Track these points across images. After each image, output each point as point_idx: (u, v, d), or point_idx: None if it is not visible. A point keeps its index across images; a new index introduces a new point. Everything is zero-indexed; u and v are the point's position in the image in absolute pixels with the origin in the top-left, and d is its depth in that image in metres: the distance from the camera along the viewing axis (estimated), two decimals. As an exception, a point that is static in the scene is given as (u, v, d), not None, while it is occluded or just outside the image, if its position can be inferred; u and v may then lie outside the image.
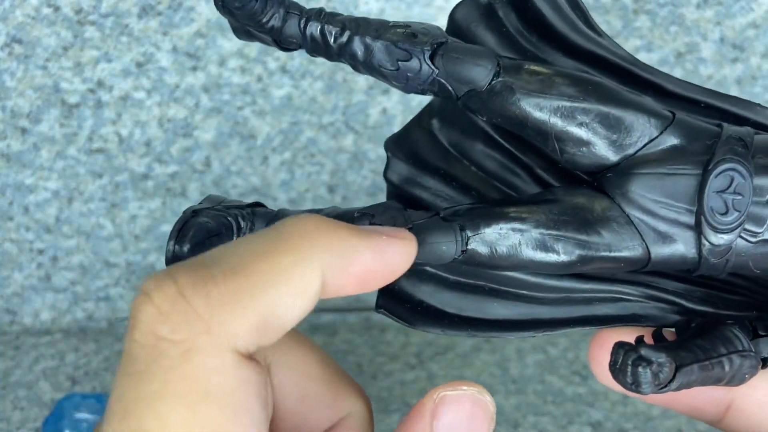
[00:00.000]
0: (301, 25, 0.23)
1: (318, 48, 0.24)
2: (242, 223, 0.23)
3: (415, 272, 0.24)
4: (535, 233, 0.23)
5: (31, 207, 0.40)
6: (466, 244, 0.23)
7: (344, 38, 0.24)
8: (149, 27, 0.36)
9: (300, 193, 0.41)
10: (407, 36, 0.23)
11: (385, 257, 0.22)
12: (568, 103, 0.23)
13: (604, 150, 0.23)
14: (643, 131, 0.23)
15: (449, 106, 0.26)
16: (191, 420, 0.18)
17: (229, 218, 0.23)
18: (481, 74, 0.23)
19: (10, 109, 0.37)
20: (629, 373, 0.21)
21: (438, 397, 0.21)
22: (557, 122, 0.23)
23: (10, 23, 0.36)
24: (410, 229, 0.23)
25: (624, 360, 0.21)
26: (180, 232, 0.22)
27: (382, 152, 0.40)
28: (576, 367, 0.40)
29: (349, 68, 0.38)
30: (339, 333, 0.42)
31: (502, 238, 0.23)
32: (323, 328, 0.42)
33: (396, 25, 0.24)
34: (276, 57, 0.37)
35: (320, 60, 0.38)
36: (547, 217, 0.23)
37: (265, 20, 0.23)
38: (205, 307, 0.19)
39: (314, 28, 0.23)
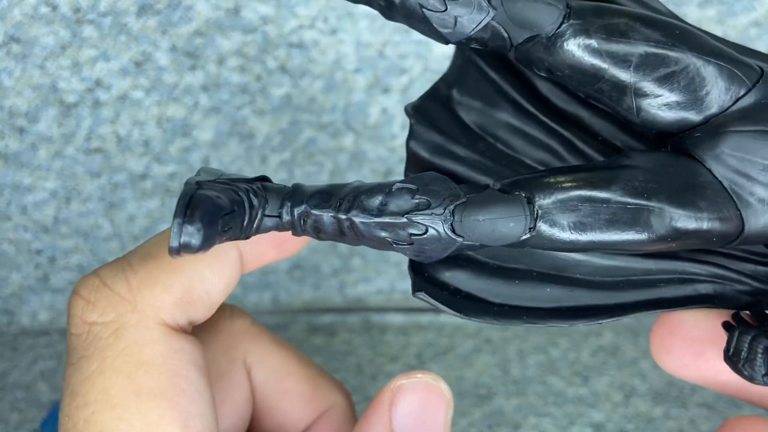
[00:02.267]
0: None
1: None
2: (254, 201, 0.19)
3: (446, 258, 0.21)
4: (620, 204, 0.19)
5: (29, 207, 0.40)
6: (536, 220, 0.19)
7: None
8: (148, 26, 0.36)
9: (299, 193, 0.41)
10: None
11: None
12: (654, 50, 0.19)
13: (690, 106, 0.20)
14: (733, 86, 0.20)
15: (469, 73, 0.23)
16: (131, 387, 0.20)
17: (239, 193, 0.19)
18: (549, 15, 0.19)
19: (7, 108, 0.37)
20: (760, 363, 0.18)
21: (395, 386, 0.23)
22: (641, 73, 0.20)
23: (8, 22, 0.35)
24: (464, 204, 0.19)
25: (753, 348, 0.18)
26: (188, 208, 0.18)
27: (382, 152, 0.40)
28: (577, 368, 0.40)
29: (349, 67, 0.38)
30: (339, 334, 0.42)
31: (580, 211, 0.19)
32: (323, 329, 0.42)
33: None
34: (275, 56, 0.37)
35: (320, 59, 0.37)
36: (632, 184, 0.19)
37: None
38: (127, 289, 0.21)
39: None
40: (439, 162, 0.22)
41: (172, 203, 0.40)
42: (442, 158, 0.22)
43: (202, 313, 0.22)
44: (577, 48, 0.19)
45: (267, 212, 0.19)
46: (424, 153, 0.22)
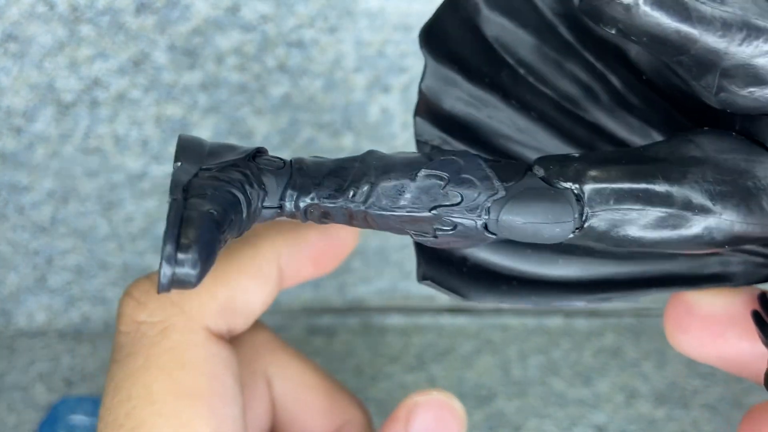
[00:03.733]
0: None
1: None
2: (251, 194, 0.17)
3: None
4: (685, 215, 0.17)
5: (26, 207, 0.40)
6: (584, 221, 0.17)
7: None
8: (146, 25, 0.36)
9: (299, 193, 0.40)
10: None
11: (332, 235, 0.24)
12: (762, 23, 0.16)
13: None
14: None
15: None
16: (171, 386, 0.21)
17: (234, 192, 0.16)
18: None
19: (4, 107, 0.37)
20: None
21: (411, 403, 0.24)
22: (739, 51, 0.16)
23: (5, 21, 0.35)
24: (503, 199, 0.17)
25: None
26: (180, 234, 0.15)
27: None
28: (579, 369, 0.39)
29: (349, 66, 0.37)
30: (338, 335, 0.42)
31: (636, 218, 0.17)
32: (323, 330, 0.42)
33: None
34: (274, 55, 0.37)
35: (319, 58, 0.37)
36: (701, 187, 0.17)
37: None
38: (177, 293, 0.21)
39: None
40: (455, 111, 0.19)
41: (171, 203, 0.40)
42: (458, 104, 0.19)
43: (241, 322, 0.23)
44: (664, 14, 0.16)
45: (266, 204, 0.17)
46: (439, 98, 0.19)
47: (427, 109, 0.19)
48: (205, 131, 0.38)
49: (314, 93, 0.38)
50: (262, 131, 0.39)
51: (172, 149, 0.39)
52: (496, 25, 0.20)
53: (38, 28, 0.35)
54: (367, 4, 0.36)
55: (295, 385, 0.26)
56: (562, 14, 0.20)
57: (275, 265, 0.23)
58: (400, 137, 0.39)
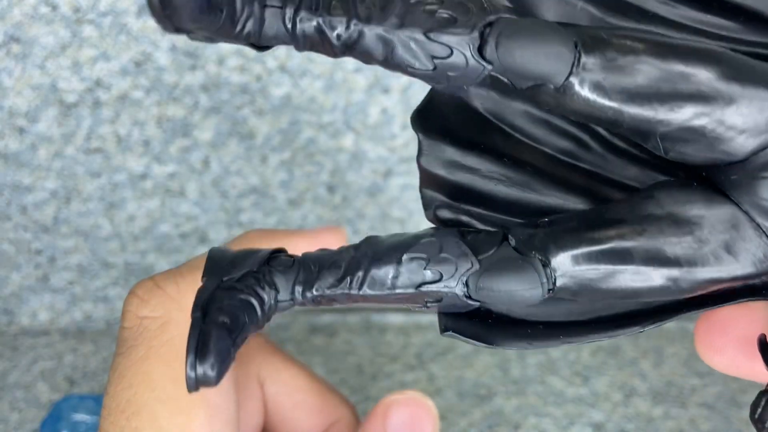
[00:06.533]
0: (287, 23, 0.17)
1: (315, 46, 0.17)
2: (264, 295, 0.19)
3: None
4: (646, 270, 0.18)
5: (29, 207, 0.40)
6: (554, 283, 0.18)
7: (352, 33, 0.17)
8: (147, 26, 0.36)
9: (299, 193, 0.41)
10: (443, 21, 0.16)
11: (318, 242, 0.26)
12: (684, 87, 0.17)
13: (725, 146, 0.17)
14: None
15: None
16: (169, 374, 0.22)
17: (249, 298, 0.19)
18: (556, 69, 0.17)
19: (7, 108, 0.37)
20: None
21: (388, 401, 0.26)
22: (666, 119, 0.17)
23: (7, 22, 0.35)
24: (478, 272, 0.18)
25: None
26: (198, 349, 0.18)
27: (382, 152, 0.40)
28: (577, 368, 0.40)
29: (349, 67, 0.38)
30: (339, 334, 0.42)
31: (600, 275, 0.18)
32: (323, 329, 0.42)
33: (425, 0, 0.17)
34: (275, 56, 0.37)
35: (320, 59, 0.37)
36: (659, 242, 0.18)
37: (237, 30, 0.17)
38: (176, 291, 0.23)
39: (307, 26, 0.17)
40: (453, 178, 0.20)
41: (172, 203, 0.40)
42: (455, 172, 0.20)
43: None
44: (591, 96, 0.17)
45: (279, 299, 0.19)
46: (437, 170, 0.20)
47: (430, 181, 0.21)
48: (207, 132, 0.39)
49: (315, 93, 0.38)
50: (263, 132, 0.39)
51: (173, 149, 0.39)
52: (483, 97, 0.21)
53: (41, 29, 0.36)
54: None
55: (288, 386, 0.27)
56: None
57: None
58: (400, 137, 0.39)
